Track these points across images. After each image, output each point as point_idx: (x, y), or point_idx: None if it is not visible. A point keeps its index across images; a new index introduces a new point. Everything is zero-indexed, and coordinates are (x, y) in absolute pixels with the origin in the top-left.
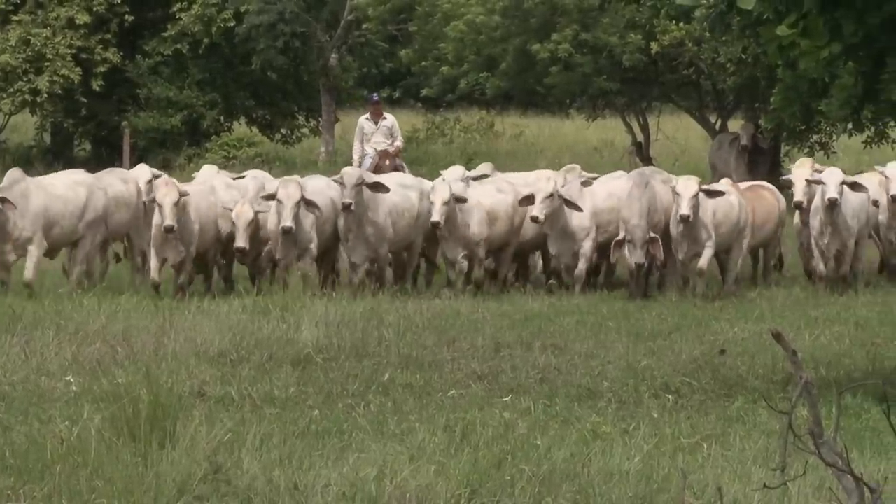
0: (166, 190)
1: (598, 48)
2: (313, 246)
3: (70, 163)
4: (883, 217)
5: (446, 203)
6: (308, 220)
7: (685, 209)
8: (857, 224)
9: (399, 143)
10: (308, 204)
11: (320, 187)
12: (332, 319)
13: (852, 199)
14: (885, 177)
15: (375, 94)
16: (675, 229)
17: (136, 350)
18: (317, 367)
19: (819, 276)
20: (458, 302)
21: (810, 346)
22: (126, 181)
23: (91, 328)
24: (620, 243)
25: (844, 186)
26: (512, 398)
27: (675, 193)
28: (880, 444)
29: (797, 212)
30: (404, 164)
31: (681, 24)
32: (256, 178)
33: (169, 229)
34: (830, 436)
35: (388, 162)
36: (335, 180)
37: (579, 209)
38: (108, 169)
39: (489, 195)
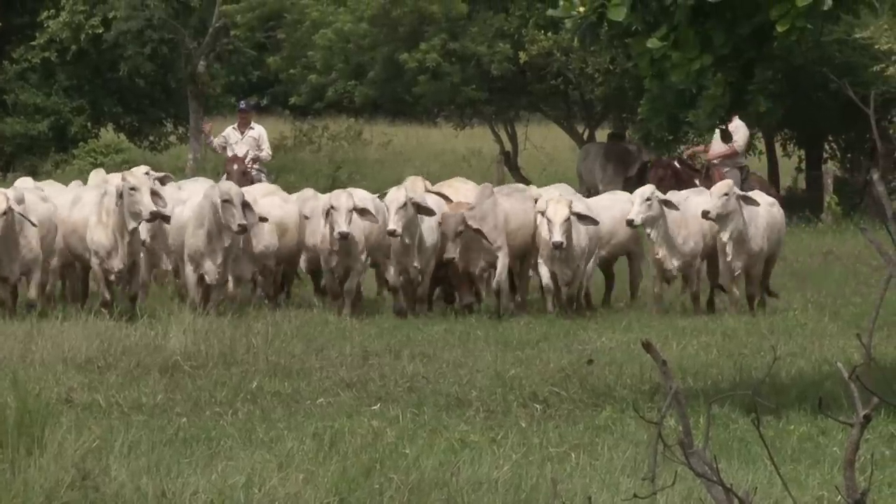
0: None
1: (467, 57)
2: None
3: None
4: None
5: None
6: (31, 230)
7: (558, 236)
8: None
9: (265, 154)
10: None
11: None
12: (200, 327)
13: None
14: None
15: (243, 102)
16: (546, 251)
17: (2, 356)
18: (185, 375)
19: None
20: (326, 310)
21: (678, 356)
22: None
23: None
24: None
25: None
26: (380, 406)
27: (546, 218)
28: (748, 454)
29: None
30: (264, 174)
31: (549, 34)
32: None
33: None
34: (700, 446)
35: (235, 167)
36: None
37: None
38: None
39: (277, 206)
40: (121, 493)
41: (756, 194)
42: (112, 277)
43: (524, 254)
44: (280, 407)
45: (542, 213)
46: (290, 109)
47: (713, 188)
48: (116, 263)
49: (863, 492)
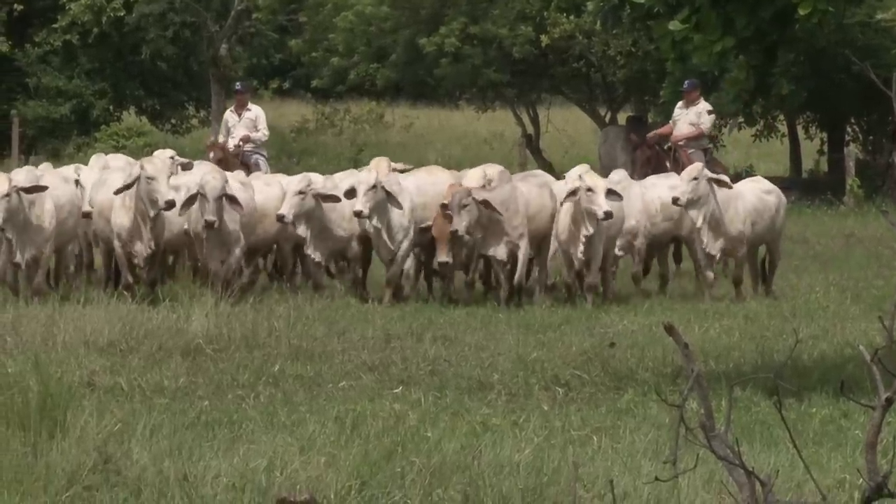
0: None
1: (488, 40)
2: None
3: None
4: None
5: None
6: (45, 213)
7: (606, 205)
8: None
9: (259, 134)
10: None
11: None
12: (222, 310)
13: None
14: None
15: (239, 84)
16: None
17: (25, 339)
18: (207, 358)
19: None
20: (347, 294)
21: (700, 339)
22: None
23: None
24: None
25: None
26: (402, 390)
27: (588, 189)
28: (770, 438)
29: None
30: (261, 157)
31: (571, 17)
32: None
33: None
34: (722, 429)
35: (211, 155)
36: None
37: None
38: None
39: (258, 191)
40: (143, 476)
41: (756, 180)
42: (136, 261)
43: (542, 239)
44: (302, 390)
45: (572, 194)
46: (311, 92)
47: (683, 173)
48: (139, 247)
49: (885, 474)
